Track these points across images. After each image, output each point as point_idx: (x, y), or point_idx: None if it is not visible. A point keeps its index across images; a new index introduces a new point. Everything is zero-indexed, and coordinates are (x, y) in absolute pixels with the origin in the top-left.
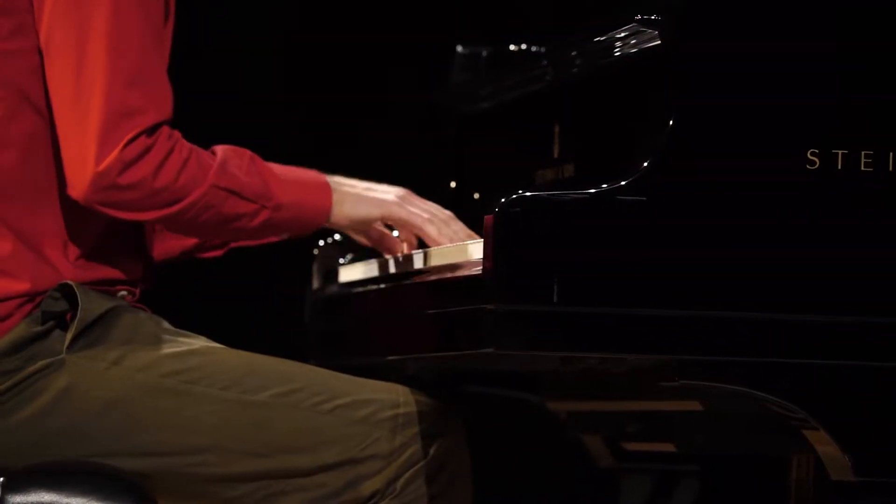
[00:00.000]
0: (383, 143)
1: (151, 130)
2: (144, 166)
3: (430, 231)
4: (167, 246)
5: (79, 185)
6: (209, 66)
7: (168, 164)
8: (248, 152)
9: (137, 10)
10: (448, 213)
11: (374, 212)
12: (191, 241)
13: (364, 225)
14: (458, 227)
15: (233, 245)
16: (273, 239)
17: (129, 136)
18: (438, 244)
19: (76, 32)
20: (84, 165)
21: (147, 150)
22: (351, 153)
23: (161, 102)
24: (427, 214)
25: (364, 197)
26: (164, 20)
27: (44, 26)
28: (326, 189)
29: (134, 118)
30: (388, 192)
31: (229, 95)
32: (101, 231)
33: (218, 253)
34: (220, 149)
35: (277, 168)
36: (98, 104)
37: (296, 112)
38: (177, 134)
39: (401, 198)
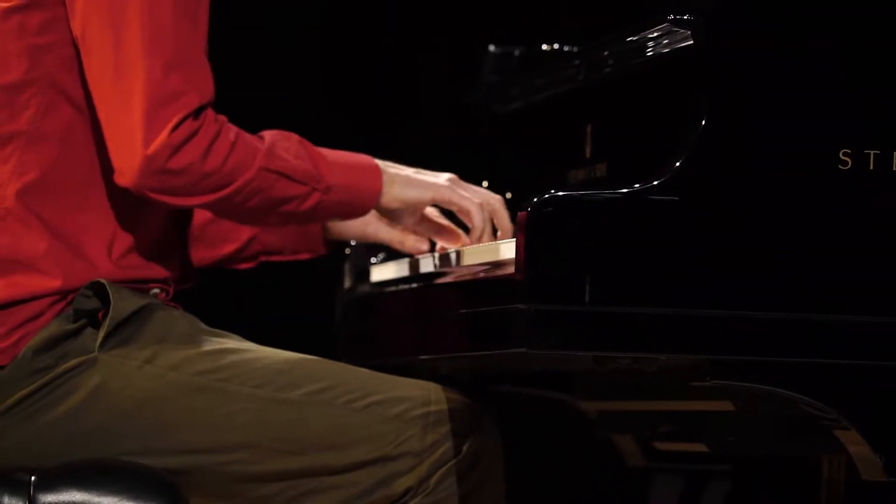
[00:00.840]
0: (416, 142)
1: (196, 113)
2: (193, 150)
3: (476, 218)
4: (196, 255)
5: (128, 171)
6: (241, 65)
7: (216, 147)
8: (295, 136)
9: None
10: (498, 197)
11: (426, 194)
12: (220, 252)
13: (414, 208)
14: (505, 214)
15: (263, 259)
16: (304, 257)
17: (175, 119)
18: (481, 232)
19: (111, 22)
20: (132, 151)
21: (194, 133)
22: (384, 153)
23: (202, 84)
24: (478, 199)
25: (414, 179)
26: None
27: (77, 19)
28: (377, 171)
29: (176, 101)
30: (438, 176)
31: (261, 95)
32: (136, 229)
33: (250, 265)
34: (267, 133)
35: (326, 151)
36: (139, 90)
37: (328, 111)
38: (222, 118)
39: (451, 181)
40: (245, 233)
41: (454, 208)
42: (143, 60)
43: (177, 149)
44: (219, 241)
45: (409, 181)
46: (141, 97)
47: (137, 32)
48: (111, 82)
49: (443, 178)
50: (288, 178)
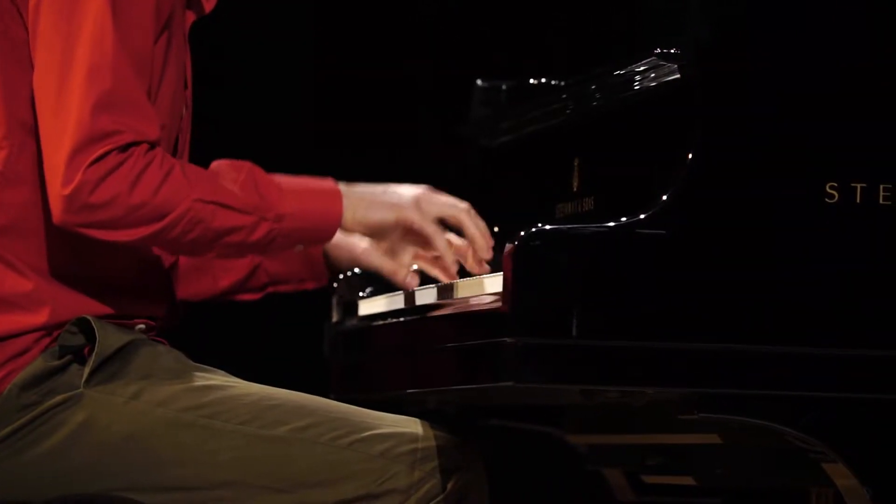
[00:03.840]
0: (404, 175)
1: (124, 148)
2: (117, 182)
3: (438, 244)
4: (199, 286)
5: (55, 210)
6: (236, 98)
7: (144, 178)
8: (247, 164)
9: (115, 39)
10: (464, 205)
11: (388, 216)
12: (224, 283)
13: (381, 230)
14: (478, 223)
15: (270, 290)
16: (310, 286)
17: (95, 155)
18: (445, 255)
19: (58, 64)
20: (55, 190)
21: (117, 165)
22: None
23: (137, 125)
24: (439, 216)
25: (378, 201)
26: (150, 47)
27: (34, 59)
28: (336, 195)
29: (101, 141)
30: (404, 195)
31: (253, 129)
32: (119, 265)
33: (256, 296)
34: (216, 163)
35: (282, 179)
36: (69, 131)
37: (317, 145)
38: (158, 150)
39: (417, 199)
40: (248, 261)
41: (418, 230)
42: (78, 99)
43: (97, 183)
44: (222, 271)
45: (372, 204)
46: (69, 138)
47: (79, 72)
48: (51, 120)
49: (411, 195)
50: (228, 209)
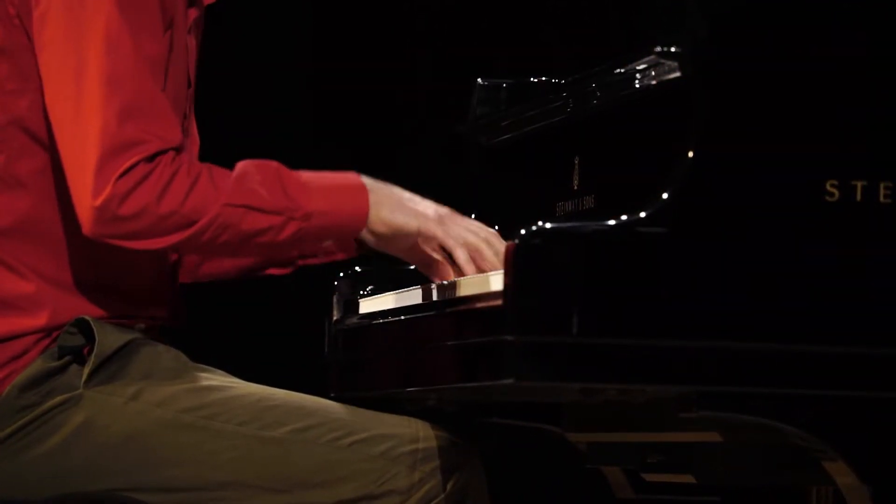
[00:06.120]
0: (404, 174)
1: (151, 157)
2: (145, 194)
3: (459, 256)
4: (226, 264)
5: (84, 221)
6: (235, 98)
7: (172, 188)
8: (273, 164)
9: (131, 46)
10: (489, 232)
11: (412, 222)
12: (248, 261)
13: (400, 234)
14: (498, 248)
15: (300, 263)
16: (340, 257)
17: (125, 166)
18: (466, 270)
19: (72, 69)
20: (84, 202)
21: (145, 177)
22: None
23: (162, 131)
24: (461, 240)
25: (404, 205)
26: (162, 49)
27: (43, 68)
28: (362, 191)
29: (129, 151)
30: (428, 207)
31: (253, 128)
32: (121, 267)
33: (286, 270)
34: (241, 164)
35: (308, 176)
36: (94, 141)
37: (317, 144)
38: (184, 157)
39: (441, 216)
40: None
41: (438, 244)
42: (99, 112)
43: (125, 195)
44: None
45: (399, 205)
46: (95, 147)
47: (96, 80)
48: (71, 130)
49: (434, 209)
50: (257, 211)
